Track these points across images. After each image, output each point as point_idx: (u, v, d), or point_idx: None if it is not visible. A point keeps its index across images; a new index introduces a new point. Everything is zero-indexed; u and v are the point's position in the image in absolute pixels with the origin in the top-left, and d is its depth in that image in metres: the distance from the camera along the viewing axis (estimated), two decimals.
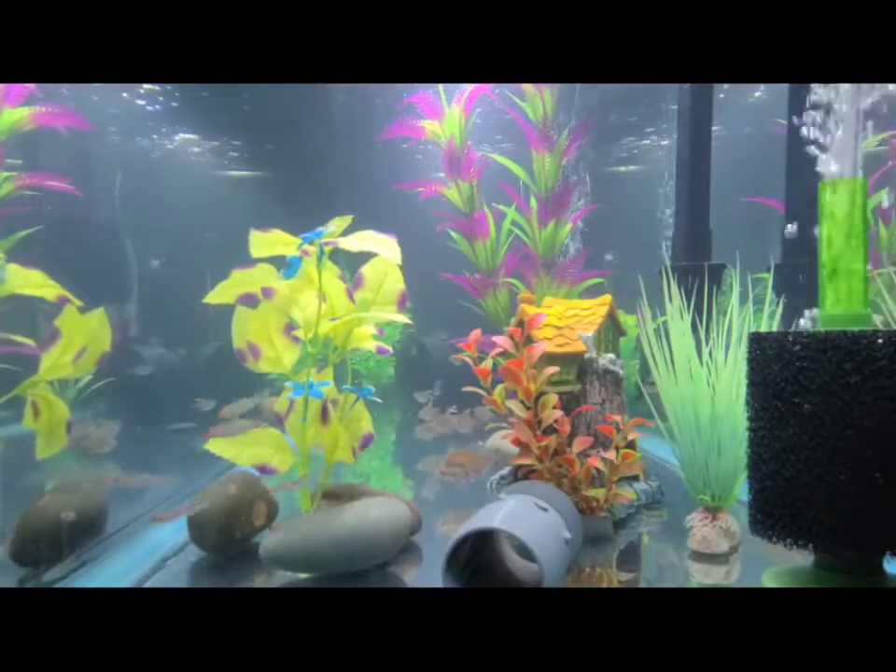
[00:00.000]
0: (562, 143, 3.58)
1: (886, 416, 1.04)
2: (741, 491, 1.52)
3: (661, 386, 1.69)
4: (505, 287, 3.64)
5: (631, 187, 6.13)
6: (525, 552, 1.25)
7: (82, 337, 1.62)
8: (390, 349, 1.71)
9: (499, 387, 1.73)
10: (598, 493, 1.66)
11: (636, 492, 1.89)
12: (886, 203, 2.71)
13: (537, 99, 3.52)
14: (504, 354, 1.75)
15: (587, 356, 1.92)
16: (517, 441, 1.70)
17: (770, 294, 1.65)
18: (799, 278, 2.75)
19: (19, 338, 1.68)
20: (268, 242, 1.42)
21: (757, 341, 1.20)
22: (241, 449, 1.48)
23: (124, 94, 4.76)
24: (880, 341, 1.04)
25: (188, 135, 5.65)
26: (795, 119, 2.91)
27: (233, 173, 6.19)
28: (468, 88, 3.53)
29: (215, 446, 1.47)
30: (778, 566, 1.30)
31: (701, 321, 1.73)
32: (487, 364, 1.74)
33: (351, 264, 1.67)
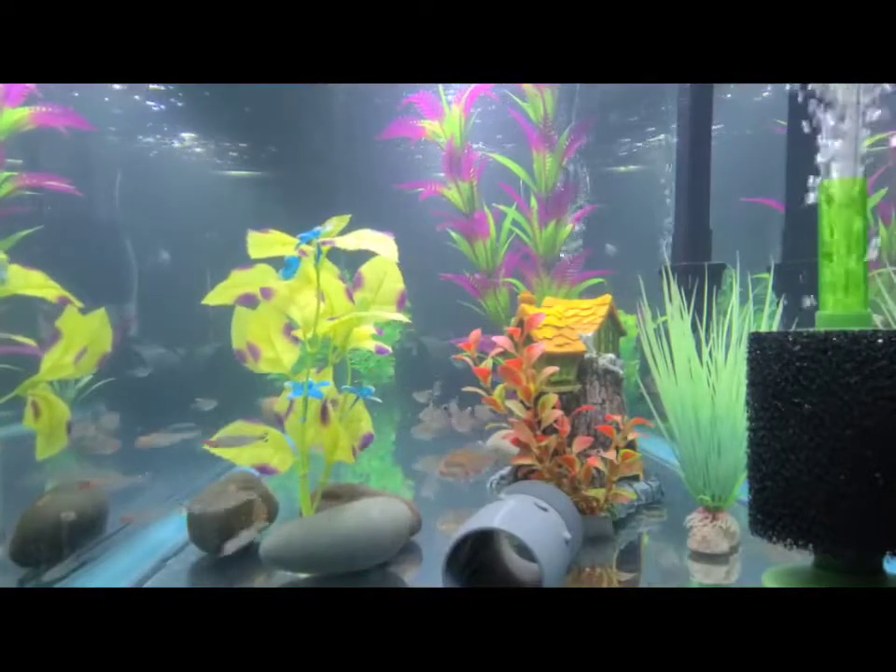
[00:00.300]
0: (562, 143, 3.59)
1: (886, 416, 1.04)
2: (741, 491, 1.52)
3: (661, 386, 1.69)
4: (505, 287, 3.64)
5: (631, 187, 6.14)
6: (524, 552, 1.25)
7: (83, 338, 1.62)
8: (389, 349, 1.71)
9: (499, 387, 1.73)
10: (598, 493, 1.66)
11: (636, 492, 1.89)
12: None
13: (537, 99, 3.52)
14: (504, 354, 1.75)
15: (587, 356, 1.92)
16: (517, 441, 1.70)
17: (770, 294, 1.65)
18: (799, 278, 2.76)
19: (19, 338, 1.68)
20: (266, 242, 1.42)
21: (757, 341, 1.20)
22: (241, 449, 1.49)
23: (125, 94, 4.77)
24: (880, 341, 1.04)
25: (188, 134, 5.65)
26: (795, 119, 2.91)
27: (233, 173, 6.20)
28: (468, 88, 3.53)
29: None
30: (778, 566, 1.30)
31: (701, 321, 1.73)
32: (487, 364, 1.74)
33: (352, 264, 1.67)
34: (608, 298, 2.10)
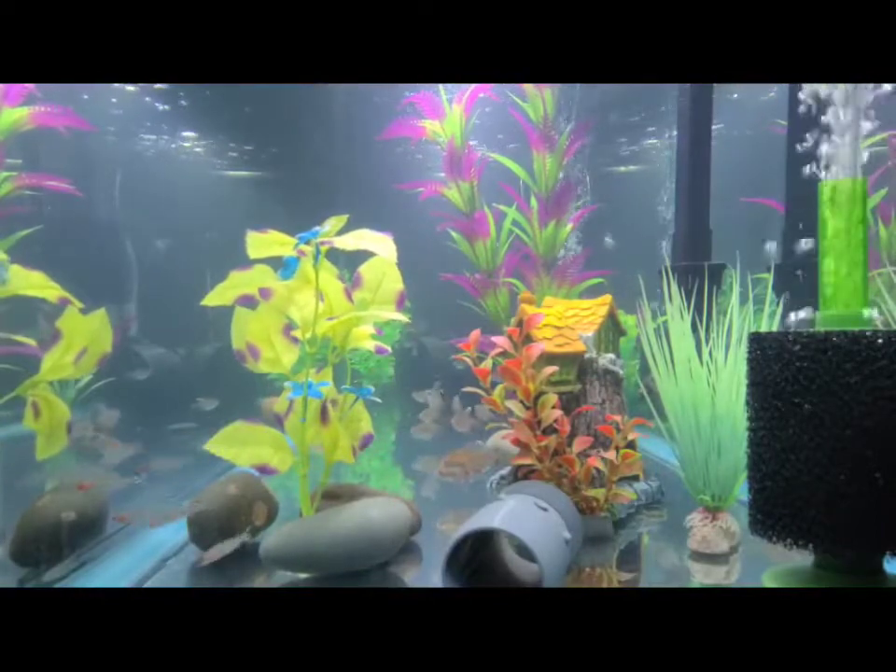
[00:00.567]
0: (562, 143, 3.59)
1: (886, 416, 1.04)
2: (741, 491, 1.52)
3: (661, 386, 1.69)
4: (505, 287, 3.64)
5: (631, 187, 6.14)
6: (525, 552, 1.25)
7: (83, 338, 1.62)
8: (389, 349, 1.71)
9: (499, 387, 1.73)
10: (598, 493, 1.66)
11: (636, 492, 1.89)
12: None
13: (537, 99, 3.52)
14: (504, 354, 1.75)
15: (587, 356, 1.92)
16: (517, 441, 1.70)
17: (770, 294, 1.65)
18: (799, 278, 2.76)
19: (19, 338, 1.68)
20: (265, 242, 1.42)
21: (757, 341, 1.20)
22: (240, 449, 1.48)
23: (125, 93, 4.77)
24: (880, 341, 1.04)
25: (188, 133, 5.65)
26: (795, 119, 2.91)
27: (233, 173, 6.20)
28: (468, 88, 3.53)
29: (214, 446, 1.47)
30: (778, 566, 1.30)
31: (701, 321, 1.73)
32: (487, 364, 1.74)
33: (351, 264, 1.67)
34: (608, 298, 2.10)
